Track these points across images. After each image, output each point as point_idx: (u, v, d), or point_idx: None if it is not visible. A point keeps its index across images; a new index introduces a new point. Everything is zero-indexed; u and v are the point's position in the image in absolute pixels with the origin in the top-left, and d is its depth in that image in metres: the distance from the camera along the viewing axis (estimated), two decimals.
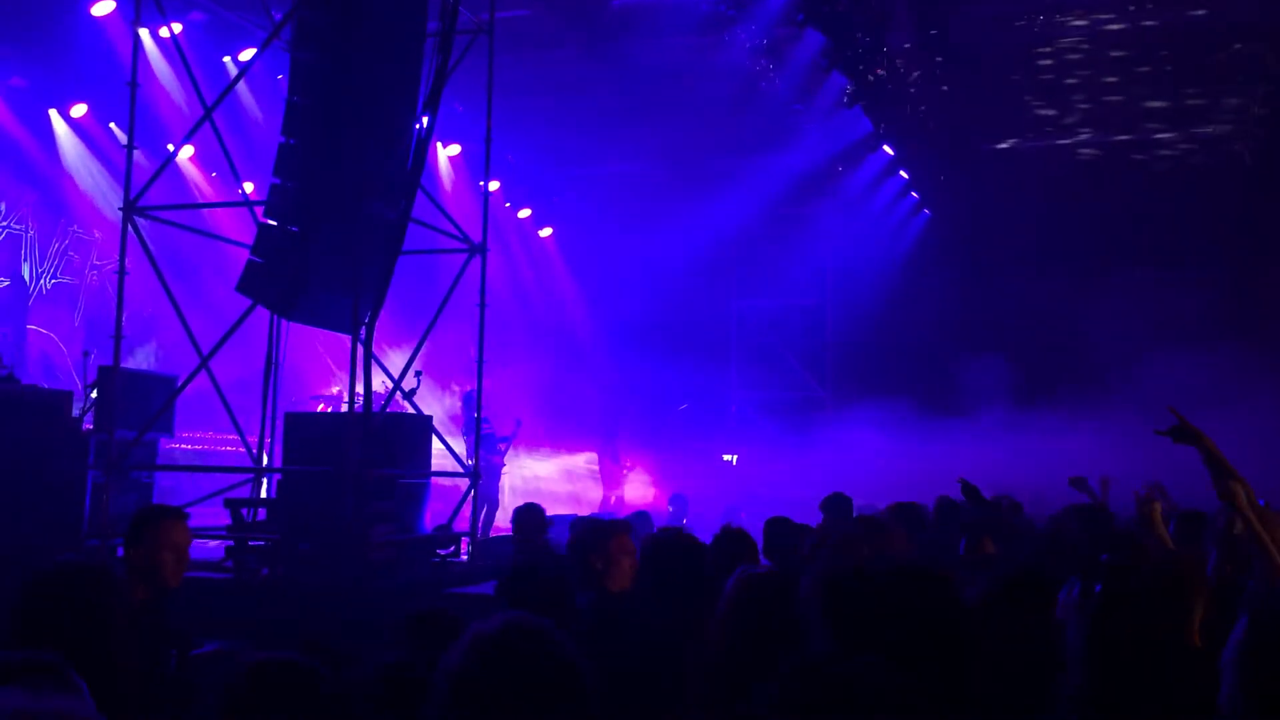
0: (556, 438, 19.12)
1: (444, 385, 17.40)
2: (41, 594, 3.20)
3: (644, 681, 3.51)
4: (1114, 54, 15.94)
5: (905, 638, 2.32)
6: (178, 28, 11.95)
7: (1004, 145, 18.86)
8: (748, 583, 3.66)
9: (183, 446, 14.46)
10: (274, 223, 9.19)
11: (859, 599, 2.69)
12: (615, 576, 4.48)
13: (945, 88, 16.69)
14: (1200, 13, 14.68)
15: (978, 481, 8.02)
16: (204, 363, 9.55)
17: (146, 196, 9.74)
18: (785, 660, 1.75)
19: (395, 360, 12.05)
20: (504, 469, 15.73)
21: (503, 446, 15.25)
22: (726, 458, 19.18)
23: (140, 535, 4.14)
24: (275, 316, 10.32)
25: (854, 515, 7.72)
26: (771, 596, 3.39)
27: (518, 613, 2.21)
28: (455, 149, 17.66)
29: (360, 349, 8.80)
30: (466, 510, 10.53)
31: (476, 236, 10.71)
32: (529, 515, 8.02)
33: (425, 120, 9.31)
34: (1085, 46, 15.79)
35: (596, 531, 4.70)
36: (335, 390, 15.80)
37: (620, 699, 3.37)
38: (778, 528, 6.25)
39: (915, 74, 15.80)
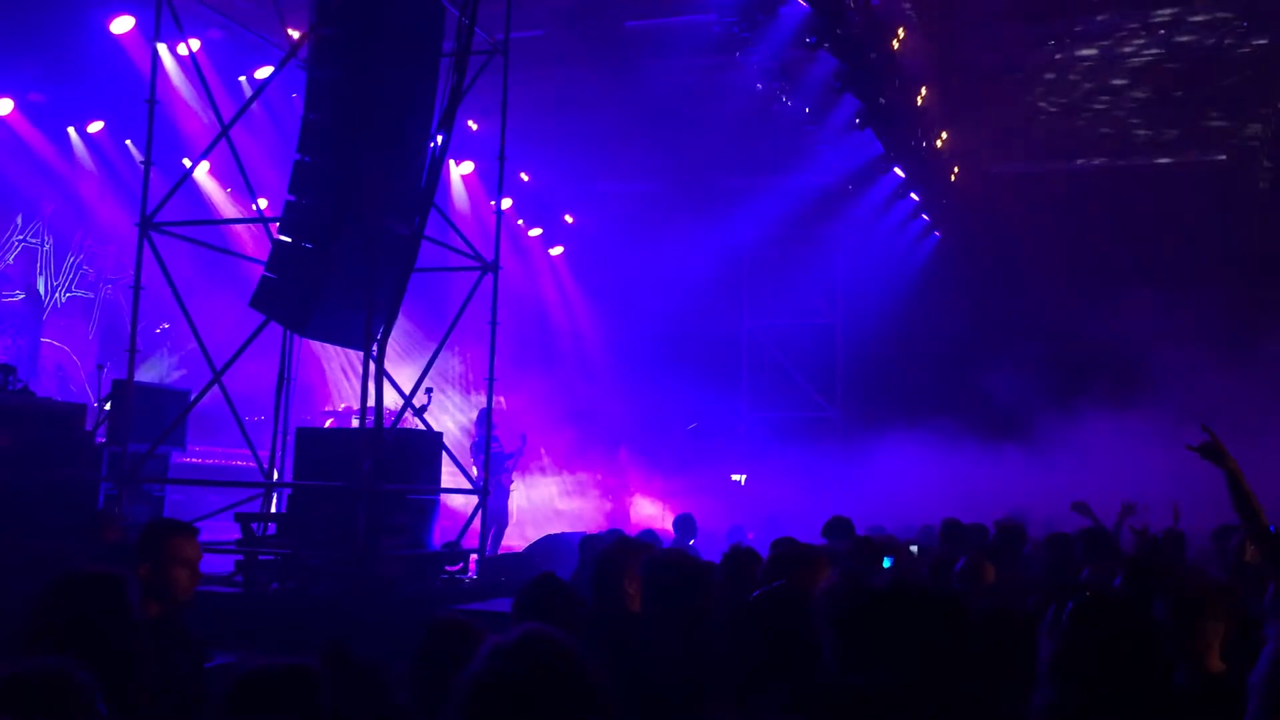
0: (564, 455, 19.12)
1: (458, 407, 17.46)
2: (53, 602, 3.23)
3: (669, 709, 3.51)
4: (1124, 79, 15.99)
5: (911, 654, 2.36)
6: (195, 44, 12.06)
7: (1014, 168, 18.90)
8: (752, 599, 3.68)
9: (194, 460, 14.52)
10: (288, 239, 9.24)
11: (868, 617, 2.73)
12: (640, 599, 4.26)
13: (957, 110, 16.74)
14: (1211, 39, 14.73)
15: (989, 502, 8.03)
16: (216, 378, 9.61)
17: (162, 212, 9.82)
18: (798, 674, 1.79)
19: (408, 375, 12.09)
20: (512, 486, 15.73)
21: (510, 464, 15.25)
22: (735, 478, 19.14)
23: (151, 550, 4.15)
24: (287, 332, 10.38)
25: (858, 537, 7.72)
26: (777, 614, 3.41)
27: (536, 625, 2.25)
28: (469, 167, 17.75)
29: (373, 365, 8.84)
30: (475, 527, 10.55)
31: (489, 254, 10.76)
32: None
33: (440, 138, 9.37)
34: (1095, 70, 15.84)
35: (631, 552, 4.45)
36: (343, 406, 15.84)
37: None
38: (785, 549, 6.24)
39: (926, 97, 15.84)
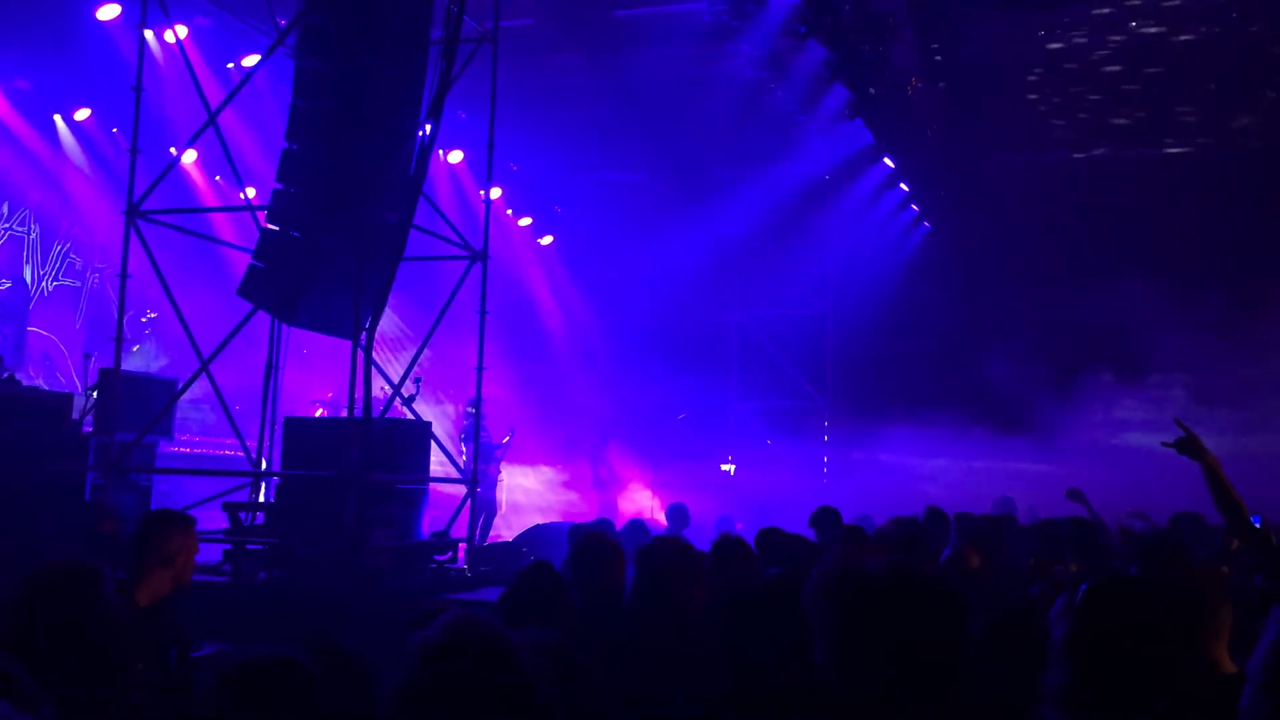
0: (553, 445, 19.11)
1: (453, 398, 17.42)
2: (29, 594, 3.22)
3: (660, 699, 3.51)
4: (1114, 68, 16.01)
5: (904, 644, 2.34)
6: (183, 31, 11.98)
7: (1004, 159, 18.91)
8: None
9: (181, 450, 14.46)
10: (276, 228, 9.21)
11: (860, 606, 2.72)
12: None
13: (946, 101, 16.74)
14: (1202, 28, 14.75)
15: (979, 491, 8.04)
16: (204, 366, 9.58)
17: (149, 200, 9.77)
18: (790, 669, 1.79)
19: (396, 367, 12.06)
20: (500, 477, 15.71)
21: (498, 454, 15.26)
22: (724, 467, 19.17)
23: (147, 540, 4.15)
24: (275, 321, 10.35)
25: (846, 526, 7.72)
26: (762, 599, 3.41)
27: (463, 617, 2.25)
28: (458, 155, 17.70)
29: (360, 354, 8.81)
30: (464, 517, 10.54)
31: (477, 243, 10.73)
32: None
33: (429, 127, 9.34)
34: (1086, 59, 15.85)
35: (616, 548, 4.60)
36: (331, 395, 15.80)
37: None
38: (770, 538, 6.25)
39: (917, 87, 15.84)
